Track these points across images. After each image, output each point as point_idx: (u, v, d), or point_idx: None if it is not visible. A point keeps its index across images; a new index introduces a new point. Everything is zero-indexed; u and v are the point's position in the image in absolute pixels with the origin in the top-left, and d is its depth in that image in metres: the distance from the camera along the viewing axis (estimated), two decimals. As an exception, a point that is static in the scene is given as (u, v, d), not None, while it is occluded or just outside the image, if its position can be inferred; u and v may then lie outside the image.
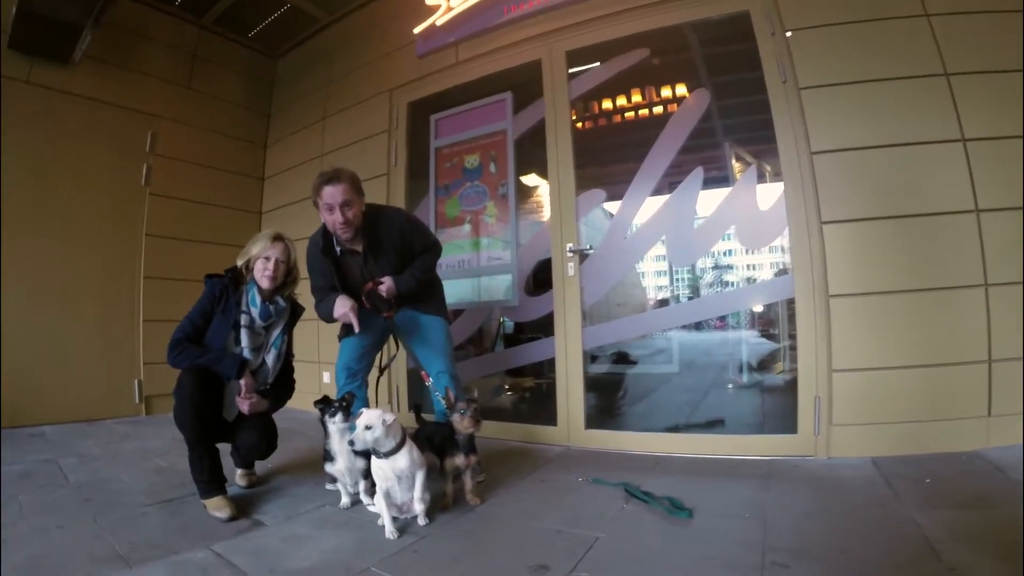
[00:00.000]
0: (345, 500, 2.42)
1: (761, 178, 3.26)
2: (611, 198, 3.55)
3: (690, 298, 4.30)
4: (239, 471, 2.73)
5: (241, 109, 5.45)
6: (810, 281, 2.90)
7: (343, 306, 2.61)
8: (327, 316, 2.69)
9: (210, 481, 2.34)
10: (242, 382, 2.41)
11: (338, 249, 2.72)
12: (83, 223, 4.32)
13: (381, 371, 2.91)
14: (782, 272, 3.61)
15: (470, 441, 2.35)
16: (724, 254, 4.09)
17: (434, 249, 2.89)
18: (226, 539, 2.05)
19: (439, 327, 2.89)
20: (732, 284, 4.01)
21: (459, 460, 2.34)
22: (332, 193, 2.53)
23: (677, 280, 4.18)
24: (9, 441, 3.46)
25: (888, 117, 2.85)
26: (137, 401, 4.49)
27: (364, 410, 2.14)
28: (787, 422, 2.95)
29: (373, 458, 2.14)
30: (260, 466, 2.85)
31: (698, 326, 3.67)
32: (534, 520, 2.18)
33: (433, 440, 2.47)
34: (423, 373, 2.70)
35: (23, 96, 4.05)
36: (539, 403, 3.92)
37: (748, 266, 4.02)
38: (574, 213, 3.51)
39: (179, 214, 4.86)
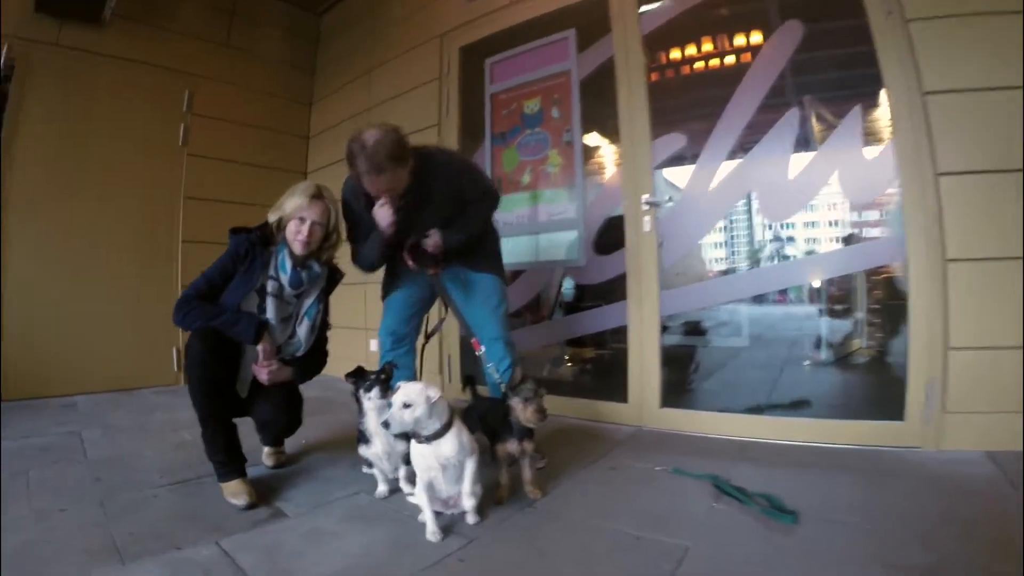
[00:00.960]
0: (382, 488, 2.06)
1: (865, 128, 2.72)
2: (691, 145, 3.06)
3: (751, 268, 3.79)
4: (266, 449, 2.42)
5: (284, 66, 5.15)
6: (924, 242, 2.41)
7: (385, 215, 2.22)
8: (371, 257, 2.37)
9: (226, 462, 2.03)
10: (260, 348, 2.08)
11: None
12: (119, 186, 4.12)
13: (427, 337, 2.54)
14: (852, 239, 3.11)
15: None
16: (782, 226, 3.58)
17: (489, 197, 2.47)
18: (239, 532, 1.73)
19: (493, 286, 2.48)
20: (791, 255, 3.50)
21: (511, 446, 1.94)
22: (380, 186, 2.13)
23: (734, 251, 3.66)
24: (37, 412, 3.30)
25: (1014, 53, 2.30)
26: (176, 370, 4.30)
27: (402, 384, 1.75)
28: (888, 407, 2.50)
29: (413, 442, 1.76)
30: (292, 443, 2.54)
31: (759, 298, 3.18)
32: (607, 520, 1.78)
33: (486, 420, 2.08)
34: (474, 341, 2.30)
35: (53, 59, 3.85)
36: (606, 377, 3.49)
37: (807, 239, 3.51)
38: (649, 160, 3.04)
39: (219, 175, 4.60)
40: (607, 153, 3.66)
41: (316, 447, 2.66)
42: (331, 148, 4.91)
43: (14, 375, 3.57)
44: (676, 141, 3.08)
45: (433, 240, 2.28)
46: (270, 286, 2.13)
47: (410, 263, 2.32)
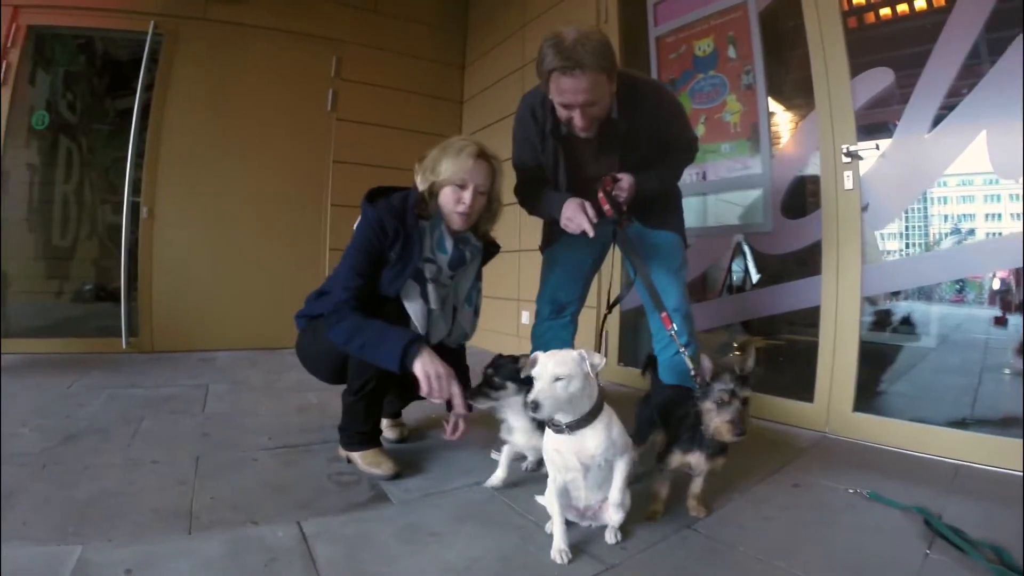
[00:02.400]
0: (499, 474, 1.68)
1: None
2: (901, 81, 2.33)
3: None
4: (386, 421, 2.14)
5: (434, 30, 4.99)
6: None
7: (574, 210, 1.74)
8: (536, 210, 1.95)
9: (372, 432, 1.79)
10: (423, 374, 1.55)
11: (564, 128, 1.83)
12: (267, 152, 4.17)
13: (611, 307, 2.07)
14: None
15: None
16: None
17: (692, 148, 2.01)
18: (328, 513, 1.43)
19: (675, 247, 1.99)
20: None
21: (694, 458, 1.42)
22: (573, 89, 1.62)
23: (909, 243, 2.79)
24: (176, 364, 3.38)
25: None
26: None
27: (539, 354, 1.30)
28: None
29: (548, 433, 1.31)
30: (417, 415, 2.29)
31: (927, 294, 2.58)
32: (792, 561, 1.25)
33: (668, 412, 1.58)
34: (664, 316, 1.77)
35: (202, 33, 3.96)
36: (784, 368, 2.88)
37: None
38: (849, 101, 2.36)
39: (369, 140, 4.52)
40: (782, 122, 2.99)
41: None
42: (485, 111, 4.67)
43: (162, 329, 3.76)
44: (882, 77, 2.35)
45: (626, 183, 1.79)
46: (428, 270, 1.74)
47: (607, 207, 1.79)
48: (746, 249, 3.08)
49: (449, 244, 1.77)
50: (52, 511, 1.36)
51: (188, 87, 3.90)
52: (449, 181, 1.70)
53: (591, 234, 1.71)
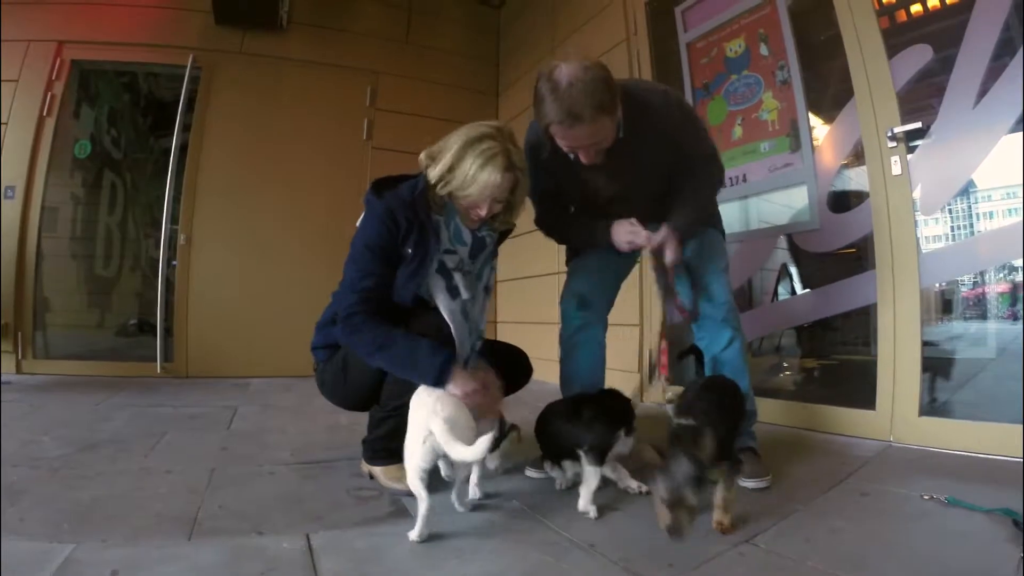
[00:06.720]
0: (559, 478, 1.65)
1: None
2: (940, 55, 2.16)
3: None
4: None
5: (466, 59, 5.02)
6: None
7: (628, 232, 1.70)
8: (581, 243, 1.88)
9: (398, 447, 1.57)
10: (457, 389, 1.42)
11: (572, 155, 1.72)
12: (305, 180, 4.22)
13: (681, 356, 1.90)
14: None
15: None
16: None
17: (712, 162, 1.81)
18: (341, 527, 1.31)
19: (719, 244, 1.84)
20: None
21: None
22: (576, 137, 1.56)
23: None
24: (209, 387, 3.36)
25: None
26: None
27: None
28: None
29: None
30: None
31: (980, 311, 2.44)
32: (867, 575, 1.08)
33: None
34: (677, 302, 1.70)
35: (240, 65, 4.07)
36: (840, 375, 2.67)
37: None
38: (889, 80, 2.21)
39: (404, 167, 4.47)
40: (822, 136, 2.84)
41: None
42: (520, 136, 4.61)
43: (197, 354, 3.77)
44: (921, 54, 2.20)
45: (671, 257, 1.67)
46: (450, 260, 1.61)
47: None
48: (792, 271, 2.90)
49: (467, 235, 1.63)
50: (52, 511, 1.33)
51: (226, 118, 4.00)
52: (477, 195, 1.53)
53: (649, 244, 1.66)
